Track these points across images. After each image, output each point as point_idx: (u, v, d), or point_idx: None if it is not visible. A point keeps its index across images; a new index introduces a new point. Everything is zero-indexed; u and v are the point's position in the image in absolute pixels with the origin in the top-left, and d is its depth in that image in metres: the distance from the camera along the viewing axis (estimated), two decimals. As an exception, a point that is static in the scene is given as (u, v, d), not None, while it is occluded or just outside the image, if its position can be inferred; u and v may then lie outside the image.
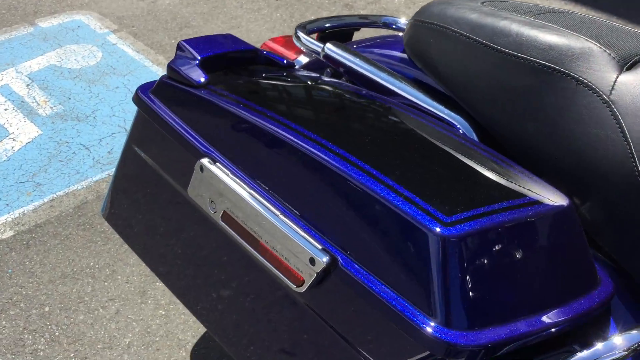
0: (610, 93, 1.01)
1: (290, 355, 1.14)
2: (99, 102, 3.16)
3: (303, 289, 1.03)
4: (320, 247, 1.00)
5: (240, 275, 1.20)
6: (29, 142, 2.89)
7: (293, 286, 1.05)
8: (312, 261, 0.99)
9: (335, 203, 1.00)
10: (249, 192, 1.10)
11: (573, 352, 0.94)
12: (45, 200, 2.60)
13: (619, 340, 0.95)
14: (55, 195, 2.62)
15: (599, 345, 0.93)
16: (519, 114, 1.11)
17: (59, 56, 3.49)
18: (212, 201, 1.18)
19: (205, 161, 1.17)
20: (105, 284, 2.27)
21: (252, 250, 1.11)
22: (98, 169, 2.76)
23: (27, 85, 3.24)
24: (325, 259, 0.98)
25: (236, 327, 1.23)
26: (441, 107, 1.28)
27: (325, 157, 1.02)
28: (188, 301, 1.34)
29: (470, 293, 0.88)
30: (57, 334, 2.09)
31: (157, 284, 2.27)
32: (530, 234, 0.94)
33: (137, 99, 1.35)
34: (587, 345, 0.95)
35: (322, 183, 1.02)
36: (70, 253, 2.37)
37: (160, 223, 1.39)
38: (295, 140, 1.06)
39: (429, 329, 0.87)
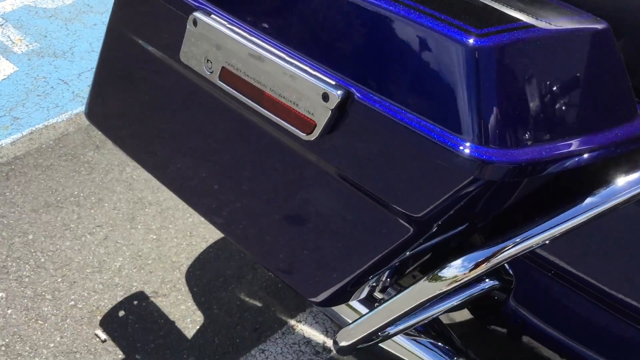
0: None
1: (300, 221, 1.05)
2: (77, 39, 3.02)
3: (314, 135, 0.94)
4: (333, 82, 0.90)
5: (243, 143, 1.10)
6: (4, 79, 2.75)
7: (303, 135, 0.95)
8: (326, 97, 0.89)
9: (345, 33, 0.90)
10: (249, 38, 1.00)
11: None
12: (24, 133, 2.47)
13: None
14: (34, 128, 2.49)
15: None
16: None
17: (33, -4, 3.33)
18: (207, 60, 1.07)
19: (198, 14, 1.07)
20: (92, 211, 2.16)
21: (256, 105, 1.01)
22: (78, 102, 2.64)
23: (1, 25, 3.09)
24: (339, 92, 0.88)
25: (241, 206, 1.13)
26: None
27: None
28: (185, 192, 1.24)
29: (506, 110, 0.80)
30: (42, 260, 1.99)
31: (147, 209, 2.17)
32: (567, 52, 0.85)
33: None
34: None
35: (329, 12, 0.91)
36: (52, 183, 2.25)
37: (150, 108, 1.29)
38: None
39: (463, 149, 0.78)
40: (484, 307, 1.30)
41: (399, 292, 0.99)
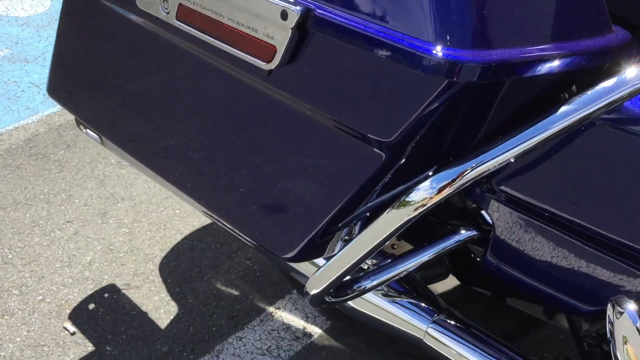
0: None
1: (264, 168, 1.00)
2: (49, 45, 2.97)
3: (275, 62, 0.88)
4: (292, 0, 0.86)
5: (200, 88, 1.05)
6: (-27, 85, 2.69)
7: (263, 64, 0.90)
8: (284, 15, 0.85)
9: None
10: None
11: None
12: (-7, 134, 2.40)
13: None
14: (3, 130, 2.42)
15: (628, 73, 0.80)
16: None
17: (5, 6, 3.29)
18: (164, 0, 1.02)
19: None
20: (62, 207, 2.09)
21: (215, 41, 0.96)
22: (50, 104, 2.57)
23: (-29, 34, 3.04)
24: (298, 8, 0.84)
25: (206, 156, 1.07)
26: None
27: None
28: (148, 156, 1.18)
29: (476, 11, 0.75)
30: (10, 256, 1.91)
31: (119, 204, 2.10)
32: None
33: None
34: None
35: None
36: (22, 181, 2.18)
37: (111, 69, 1.24)
38: None
39: (436, 53, 0.73)
40: (465, 266, 1.25)
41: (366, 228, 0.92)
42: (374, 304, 1.17)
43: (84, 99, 1.32)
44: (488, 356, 1.06)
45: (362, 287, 1.05)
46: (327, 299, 1.02)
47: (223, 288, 1.84)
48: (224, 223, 1.07)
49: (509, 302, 1.22)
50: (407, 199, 0.83)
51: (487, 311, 1.50)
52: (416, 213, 0.83)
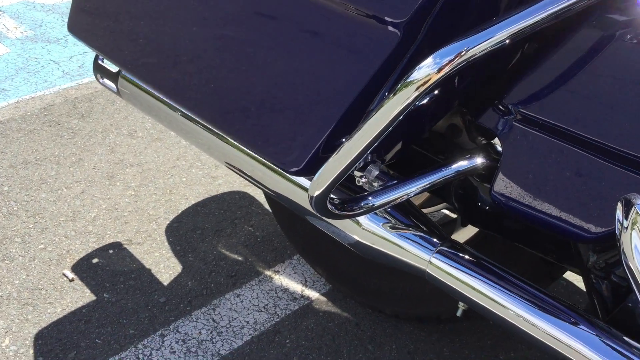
0: None
1: (270, 72, 1.01)
2: (72, 29, 3.04)
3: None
4: None
5: None
6: (-5, 59, 2.74)
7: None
8: None
9: None
10: None
11: None
12: (10, 102, 2.44)
13: None
14: (20, 99, 2.47)
15: None
16: None
17: (32, -6, 3.38)
18: None
19: None
20: (71, 169, 2.11)
21: None
22: (67, 79, 2.62)
23: (-3, 16, 3.12)
24: None
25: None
26: None
27: None
28: (179, 92, 1.19)
29: None
30: (15, 208, 1.92)
31: (128, 170, 2.12)
32: None
33: None
34: None
35: None
36: (34, 144, 2.21)
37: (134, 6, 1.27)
38: None
39: None
40: (472, 205, 1.23)
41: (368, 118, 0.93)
42: (376, 235, 1.15)
43: (104, 33, 1.35)
44: (494, 284, 1.04)
45: (367, 204, 1.04)
46: (330, 208, 1.01)
47: (224, 250, 1.84)
48: (231, 135, 1.07)
49: (517, 241, 1.20)
50: (410, 79, 0.83)
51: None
52: (417, 93, 0.82)
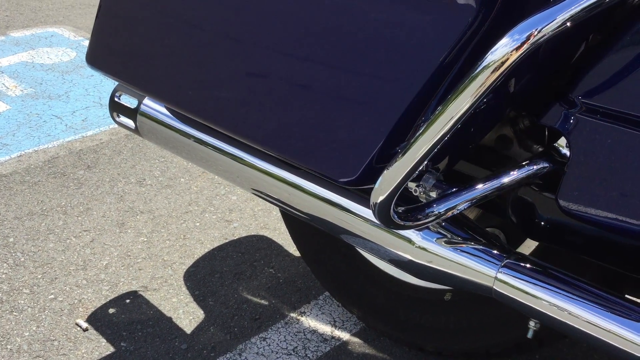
0: None
1: (323, 78, 0.96)
2: (73, 86, 3.00)
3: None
4: None
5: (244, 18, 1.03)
6: (-4, 116, 2.69)
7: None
8: None
9: None
10: None
11: None
12: (12, 156, 2.37)
13: None
14: (23, 152, 2.40)
15: None
16: None
17: (31, 56, 3.36)
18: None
19: None
20: (79, 218, 2.02)
21: None
22: (71, 132, 2.56)
23: (-4, 77, 3.08)
24: None
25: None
26: None
27: None
28: (200, 105, 1.13)
29: None
30: (22, 259, 1.82)
31: (138, 217, 2.03)
32: None
33: None
34: None
35: None
36: (39, 195, 2.13)
37: (157, 28, 1.22)
38: None
39: None
40: (531, 216, 1.14)
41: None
42: (432, 252, 1.07)
43: (130, 61, 1.29)
44: (571, 295, 0.95)
45: (432, 211, 0.97)
46: (394, 219, 0.94)
47: (245, 293, 1.74)
48: (279, 151, 1.01)
49: (584, 252, 1.10)
50: (485, 62, 0.77)
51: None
52: (496, 75, 0.76)
